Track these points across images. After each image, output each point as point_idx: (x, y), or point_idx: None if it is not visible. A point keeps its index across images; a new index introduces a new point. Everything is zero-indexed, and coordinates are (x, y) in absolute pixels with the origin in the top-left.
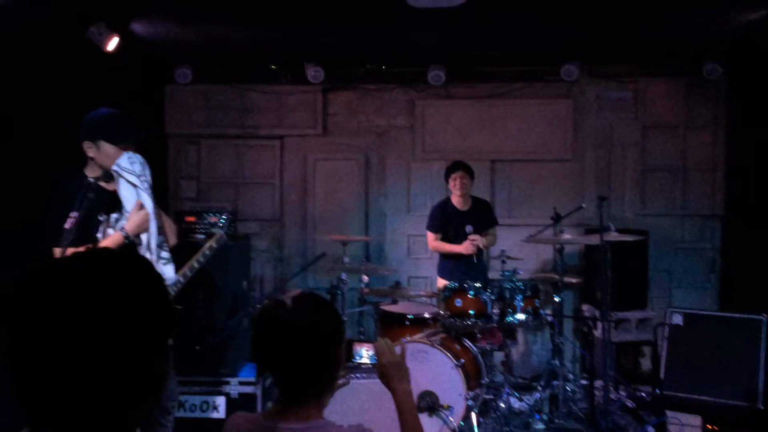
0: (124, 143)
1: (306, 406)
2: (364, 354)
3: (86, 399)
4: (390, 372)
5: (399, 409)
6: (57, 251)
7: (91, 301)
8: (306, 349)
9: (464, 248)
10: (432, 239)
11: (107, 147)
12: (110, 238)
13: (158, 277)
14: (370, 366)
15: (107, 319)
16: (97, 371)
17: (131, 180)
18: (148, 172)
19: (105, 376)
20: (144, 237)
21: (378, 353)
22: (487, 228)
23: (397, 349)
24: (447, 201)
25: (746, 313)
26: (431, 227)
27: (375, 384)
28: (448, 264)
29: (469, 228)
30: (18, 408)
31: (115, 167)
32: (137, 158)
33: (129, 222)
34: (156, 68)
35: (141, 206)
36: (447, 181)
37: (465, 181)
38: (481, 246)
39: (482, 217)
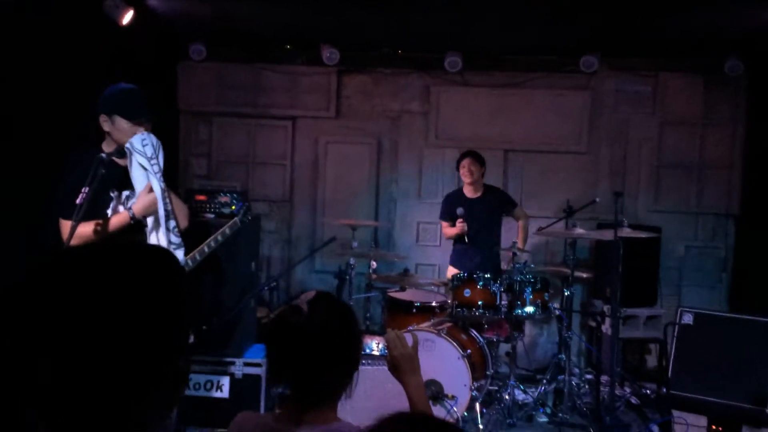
0: (137, 119)
1: (322, 408)
2: (375, 347)
3: (104, 399)
4: (402, 365)
5: (411, 402)
6: (65, 224)
7: (111, 294)
8: (324, 353)
9: (457, 228)
10: (444, 227)
11: (121, 122)
12: (116, 216)
13: (181, 271)
14: (376, 354)
15: (127, 313)
16: (116, 368)
17: (141, 162)
18: (161, 155)
19: (124, 374)
20: (150, 220)
21: (389, 346)
22: (503, 212)
23: (409, 341)
24: (459, 190)
25: (757, 315)
26: (441, 216)
27: (378, 371)
28: (460, 252)
29: (459, 210)
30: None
31: (128, 146)
32: (150, 140)
33: (137, 203)
34: (170, 44)
35: (151, 189)
36: (458, 170)
37: (473, 168)
38: (519, 244)
39: (494, 201)
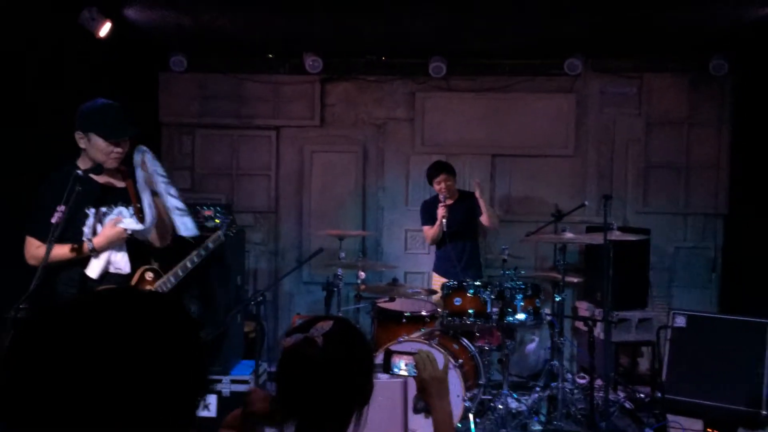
0: (114, 138)
1: None
2: (403, 366)
3: None
4: (430, 388)
5: (436, 426)
6: (32, 242)
7: (118, 350)
8: (337, 388)
9: (438, 217)
10: (426, 231)
11: (97, 140)
12: (83, 245)
13: (197, 330)
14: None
15: (136, 373)
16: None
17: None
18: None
19: None
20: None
21: (419, 367)
22: (478, 214)
23: (440, 362)
24: (436, 197)
25: (750, 316)
26: (423, 221)
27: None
28: (442, 258)
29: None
30: None
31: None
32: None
33: (99, 237)
34: (150, 55)
35: (116, 223)
36: (431, 184)
37: (449, 183)
38: (483, 210)
39: (469, 205)
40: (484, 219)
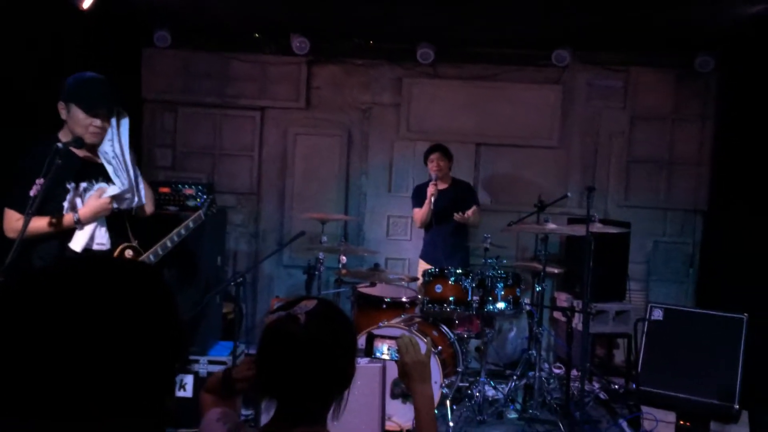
0: (92, 111)
1: (313, 423)
2: (385, 351)
3: None
4: (412, 373)
5: (417, 411)
6: (11, 214)
7: (92, 318)
8: (317, 367)
9: (428, 194)
10: (415, 213)
11: (77, 111)
12: (65, 217)
13: (171, 295)
14: (386, 359)
15: (110, 341)
16: (95, 401)
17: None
18: (125, 127)
19: (104, 409)
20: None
21: (401, 351)
22: (467, 207)
23: (422, 348)
24: (428, 182)
25: (726, 311)
26: (414, 204)
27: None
28: (429, 243)
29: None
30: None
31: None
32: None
33: (85, 208)
34: (134, 30)
35: (101, 194)
36: (426, 164)
37: (442, 163)
38: (467, 217)
39: (461, 195)
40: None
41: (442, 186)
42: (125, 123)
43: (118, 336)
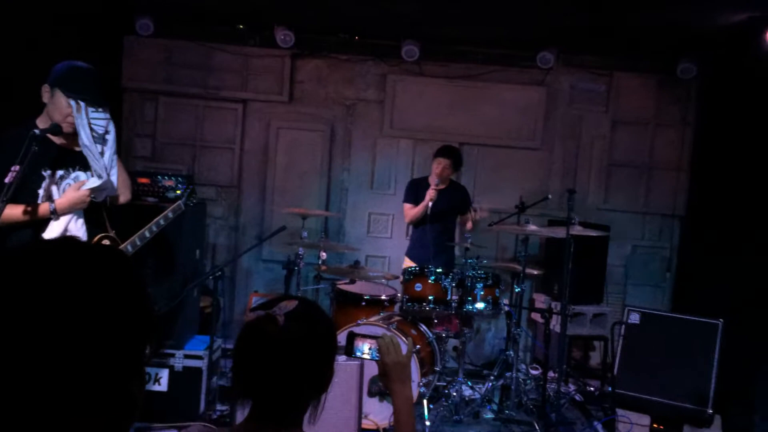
0: (76, 97)
1: (288, 425)
2: (366, 350)
3: (43, 426)
4: (392, 373)
5: (396, 412)
6: None
7: (57, 299)
8: (293, 370)
9: (427, 197)
10: (407, 209)
11: (60, 98)
12: (41, 206)
13: (139, 278)
14: (366, 358)
15: (76, 324)
16: (57, 388)
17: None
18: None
19: (67, 396)
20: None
21: (382, 351)
22: (462, 211)
23: (403, 349)
24: (425, 178)
25: (702, 316)
26: (406, 198)
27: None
28: (416, 240)
29: (434, 180)
30: None
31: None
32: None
33: (63, 199)
34: (115, 16)
35: (80, 186)
36: (433, 160)
37: (447, 171)
38: (472, 221)
39: (457, 197)
40: (467, 223)
41: (441, 187)
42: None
43: (80, 314)
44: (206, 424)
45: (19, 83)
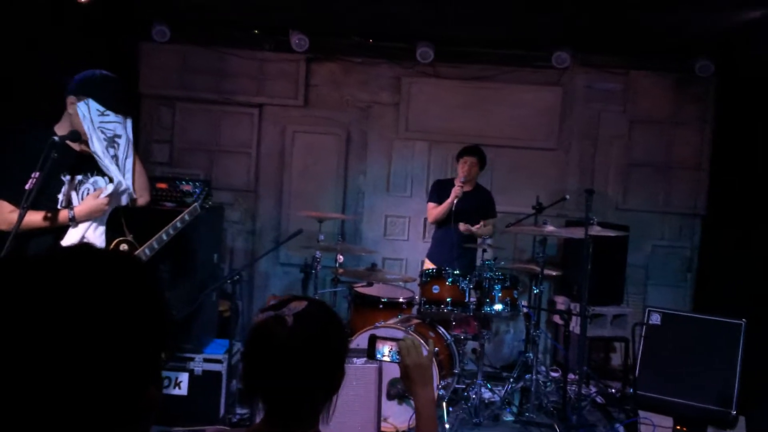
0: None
1: (302, 426)
2: (386, 353)
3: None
4: (414, 375)
5: (418, 414)
6: (5, 205)
7: (73, 307)
8: (304, 371)
9: (453, 194)
10: (430, 208)
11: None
12: (60, 213)
13: (154, 284)
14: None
15: (90, 332)
16: (76, 396)
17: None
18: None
19: (86, 404)
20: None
21: (402, 353)
22: (485, 216)
23: (424, 351)
24: (451, 180)
25: (724, 317)
26: (430, 198)
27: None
28: (438, 241)
29: (461, 178)
30: None
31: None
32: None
33: (82, 206)
34: (132, 24)
35: (99, 194)
36: (457, 161)
37: (474, 169)
38: (473, 231)
39: (481, 200)
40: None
41: (467, 188)
42: (129, 123)
43: (95, 322)
44: (223, 427)
45: (38, 92)
